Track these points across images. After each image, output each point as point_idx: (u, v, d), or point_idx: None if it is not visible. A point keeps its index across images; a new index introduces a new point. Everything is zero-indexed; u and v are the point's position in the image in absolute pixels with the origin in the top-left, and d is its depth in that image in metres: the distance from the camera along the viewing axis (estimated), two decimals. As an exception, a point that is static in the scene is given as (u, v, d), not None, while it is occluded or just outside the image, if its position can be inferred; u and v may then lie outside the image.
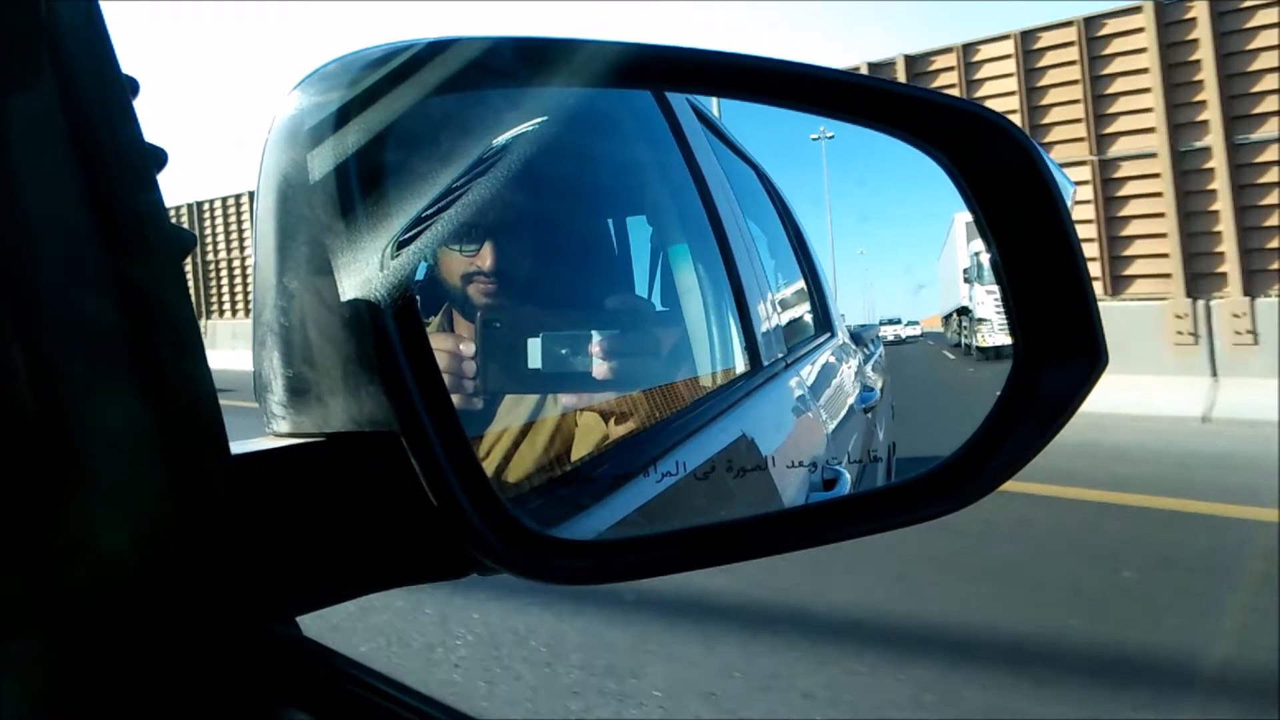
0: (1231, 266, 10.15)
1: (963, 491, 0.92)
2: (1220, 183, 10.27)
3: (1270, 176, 10.09)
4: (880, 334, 1.57)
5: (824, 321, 1.67)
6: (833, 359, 1.69)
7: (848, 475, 1.20)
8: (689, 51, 0.87)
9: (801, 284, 1.63)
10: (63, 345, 0.51)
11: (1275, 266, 10.02)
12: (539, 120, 0.90)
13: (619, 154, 1.19)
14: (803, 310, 1.64)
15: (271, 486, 0.61)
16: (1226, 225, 10.22)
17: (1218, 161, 10.29)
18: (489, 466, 0.80)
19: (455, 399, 0.73)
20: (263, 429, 0.67)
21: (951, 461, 0.97)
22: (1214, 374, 9.84)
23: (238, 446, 0.60)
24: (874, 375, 1.69)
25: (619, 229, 1.17)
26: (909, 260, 1.33)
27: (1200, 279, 10.45)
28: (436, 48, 0.68)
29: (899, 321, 1.34)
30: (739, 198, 1.43)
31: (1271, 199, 10.06)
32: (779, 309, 1.46)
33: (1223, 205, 10.27)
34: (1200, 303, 10.26)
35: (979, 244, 1.02)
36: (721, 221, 1.32)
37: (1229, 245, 10.18)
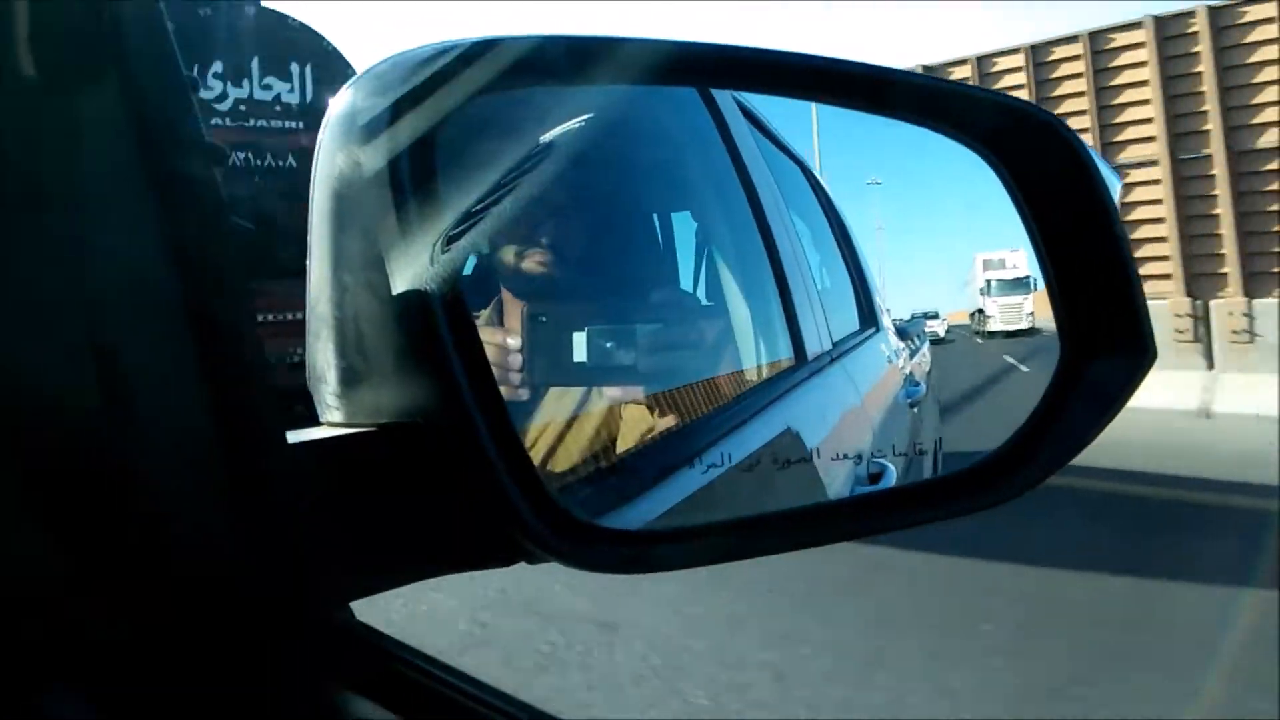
0: (1232, 268, 10.62)
1: (1008, 485, 0.92)
2: (1221, 189, 10.75)
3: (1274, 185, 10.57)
4: (925, 329, 1.58)
5: (869, 315, 1.67)
6: (878, 353, 1.69)
7: (893, 468, 1.19)
8: (733, 49, 0.87)
9: (846, 278, 1.63)
10: (129, 343, 0.52)
11: (1276, 270, 10.51)
12: (585, 117, 0.91)
13: (664, 150, 1.19)
14: (847, 304, 1.64)
15: (325, 475, 0.62)
16: (1228, 229, 10.70)
17: (1219, 168, 10.76)
18: (535, 456, 0.81)
19: (502, 390, 0.74)
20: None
21: (998, 455, 0.97)
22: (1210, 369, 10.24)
23: (293, 436, 0.61)
24: (919, 369, 1.68)
25: (664, 224, 1.18)
26: (952, 256, 1.38)
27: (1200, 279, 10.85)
28: (485, 46, 0.69)
29: (936, 316, 1.48)
30: (783, 192, 1.43)
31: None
32: (823, 303, 1.46)
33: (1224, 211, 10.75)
34: (1199, 302, 10.63)
35: (991, 273, 1.41)
36: (766, 216, 1.32)
37: (1230, 248, 10.65)
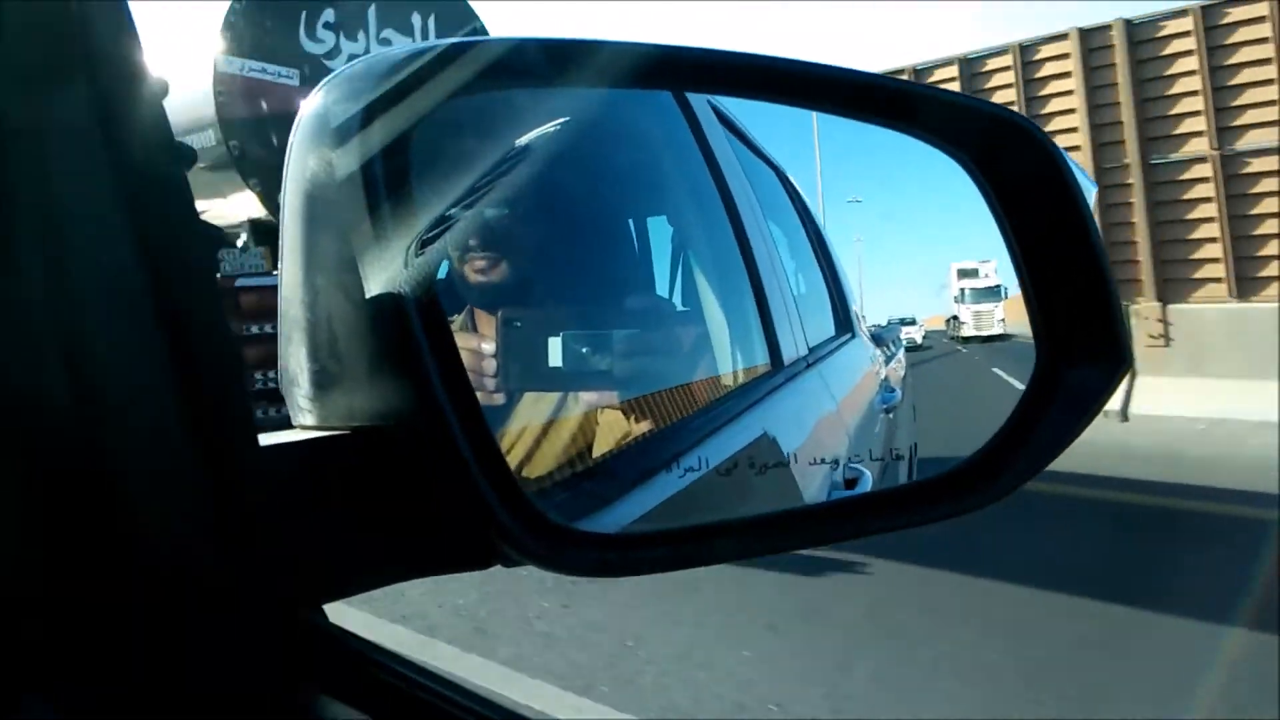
0: (1146, 275, 11.12)
1: (984, 491, 0.92)
2: (1137, 198, 11.27)
3: (1188, 194, 11.10)
4: (902, 335, 1.59)
5: (844, 322, 1.67)
6: (853, 359, 1.70)
7: (869, 474, 1.20)
8: (710, 52, 0.87)
9: (822, 285, 1.63)
10: (99, 343, 0.52)
11: (1196, 275, 11.05)
12: (561, 121, 0.91)
13: (640, 155, 1.19)
14: (823, 311, 1.64)
15: (298, 478, 0.61)
16: (1142, 238, 11.21)
17: (1135, 178, 11.29)
18: (511, 461, 0.81)
19: (477, 395, 0.74)
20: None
21: (974, 461, 0.97)
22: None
23: (266, 438, 0.61)
24: (894, 375, 1.69)
25: (639, 229, 1.18)
26: (928, 263, 1.40)
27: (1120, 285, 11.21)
28: (460, 48, 0.69)
29: (913, 322, 1.54)
30: (759, 198, 1.43)
31: (1191, 214, 11.08)
32: (799, 309, 1.46)
33: (1139, 219, 11.27)
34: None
35: (965, 281, 1.53)
36: (742, 222, 1.32)
37: (1144, 255, 11.16)
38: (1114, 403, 9.56)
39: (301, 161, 0.65)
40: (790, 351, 1.36)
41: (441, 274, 0.89)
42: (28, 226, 0.51)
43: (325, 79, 0.68)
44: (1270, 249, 10.55)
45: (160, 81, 0.71)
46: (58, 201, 0.52)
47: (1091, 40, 11.54)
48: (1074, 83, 11.62)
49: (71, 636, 0.50)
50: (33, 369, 0.50)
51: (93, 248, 0.52)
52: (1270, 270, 10.51)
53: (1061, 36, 11.72)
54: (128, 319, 0.53)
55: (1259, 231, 10.64)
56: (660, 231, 1.21)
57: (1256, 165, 10.64)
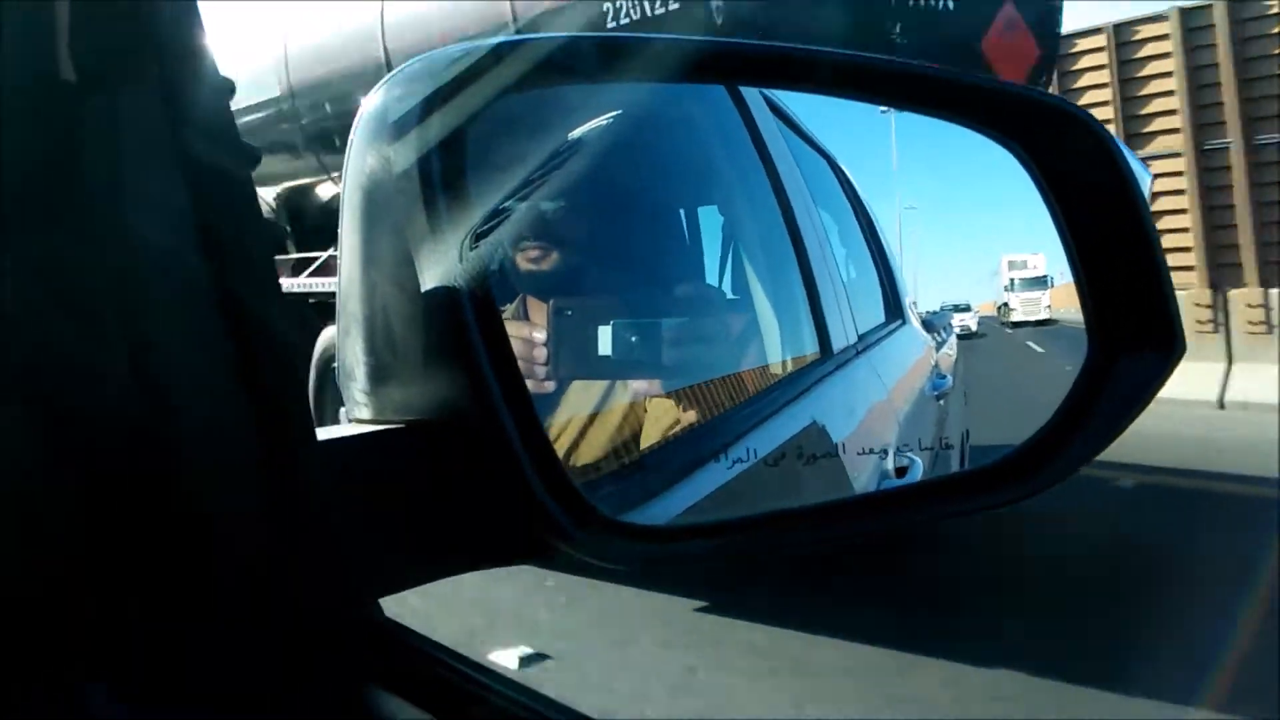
0: (1248, 259, 10.59)
1: (1035, 479, 0.92)
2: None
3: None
4: (952, 323, 1.58)
5: (895, 309, 1.67)
6: (904, 346, 1.69)
7: (920, 462, 1.19)
8: (760, 47, 0.87)
9: (873, 271, 1.62)
10: (164, 337, 0.53)
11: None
12: (613, 114, 0.92)
13: (690, 145, 1.19)
14: (874, 297, 1.63)
15: (354, 472, 0.62)
16: (1244, 220, 10.69)
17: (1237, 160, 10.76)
18: (560, 450, 0.82)
19: (528, 384, 0.75)
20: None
21: (1024, 449, 0.97)
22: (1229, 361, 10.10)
23: (323, 433, 0.62)
24: (946, 362, 1.68)
25: (690, 218, 1.18)
26: (981, 250, 1.40)
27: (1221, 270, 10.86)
28: (514, 45, 0.69)
29: (967, 308, 1.55)
30: (810, 187, 1.42)
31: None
32: (850, 296, 1.46)
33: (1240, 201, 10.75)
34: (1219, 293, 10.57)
35: (1014, 272, 1.67)
36: (792, 209, 1.32)
37: (1246, 238, 10.63)
38: (1212, 391, 9.42)
39: (360, 158, 0.66)
40: (840, 339, 1.35)
41: (495, 266, 0.90)
42: (98, 221, 0.52)
43: (386, 78, 0.69)
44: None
45: (226, 80, 0.71)
46: (127, 197, 0.53)
47: (1190, 19, 11.12)
48: (1174, 63, 11.21)
49: (131, 630, 0.51)
50: (98, 362, 0.51)
51: (160, 243, 0.53)
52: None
53: (1162, 18, 11.38)
54: (192, 313, 0.54)
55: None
56: (711, 221, 1.21)
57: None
